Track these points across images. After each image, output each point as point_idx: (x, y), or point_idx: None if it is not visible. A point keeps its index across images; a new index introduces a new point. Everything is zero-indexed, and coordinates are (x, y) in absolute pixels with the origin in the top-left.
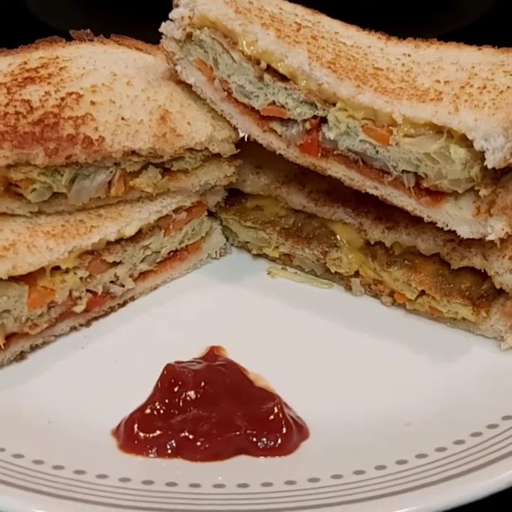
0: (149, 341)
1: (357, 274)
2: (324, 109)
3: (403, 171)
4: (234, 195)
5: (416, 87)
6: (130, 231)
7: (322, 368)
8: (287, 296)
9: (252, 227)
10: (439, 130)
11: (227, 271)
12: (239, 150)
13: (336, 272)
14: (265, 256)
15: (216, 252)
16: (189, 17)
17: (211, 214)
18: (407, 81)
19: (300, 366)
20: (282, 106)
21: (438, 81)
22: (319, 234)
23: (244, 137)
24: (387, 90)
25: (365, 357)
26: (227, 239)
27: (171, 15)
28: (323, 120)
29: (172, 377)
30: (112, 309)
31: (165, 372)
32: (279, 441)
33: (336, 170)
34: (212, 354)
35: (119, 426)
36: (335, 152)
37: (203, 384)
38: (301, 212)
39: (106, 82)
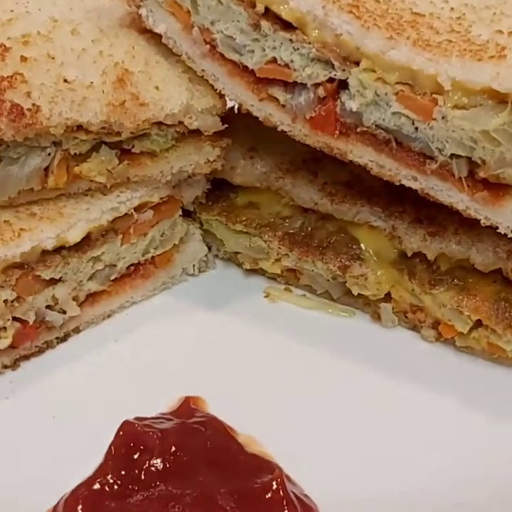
0: (100, 390)
1: (388, 297)
2: (344, 70)
3: (452, 156)
4: (219, 189)
5: (470, 40)
6: (74, 236)
7: (338, 428)
8: (292, 329)
9: (244, 232)
10: (501, 99)
11: (210, 292)
12: (226, 125)
13: (359, 295)
14: (262, 272)
15: (194, 266)
16: None
17: (187, 214)
18: (457, 32)
19: (308, 426)
20: (286, 65)
21: (500, 31)
22: (337, 242)
23: (233, 108)
24: (431, 44)
25: (396, 414)
26: (210, 248)
27: None
28: (343, 85)
29: (131, 439)
30: (49, 345)
31: (121, 432)
32: None
33: (360, 154)
34: (188, 408)
35: (57, 506)
36: (358, 129)
37: (173, 449)
38: (312, 212)
39: (43, 31)
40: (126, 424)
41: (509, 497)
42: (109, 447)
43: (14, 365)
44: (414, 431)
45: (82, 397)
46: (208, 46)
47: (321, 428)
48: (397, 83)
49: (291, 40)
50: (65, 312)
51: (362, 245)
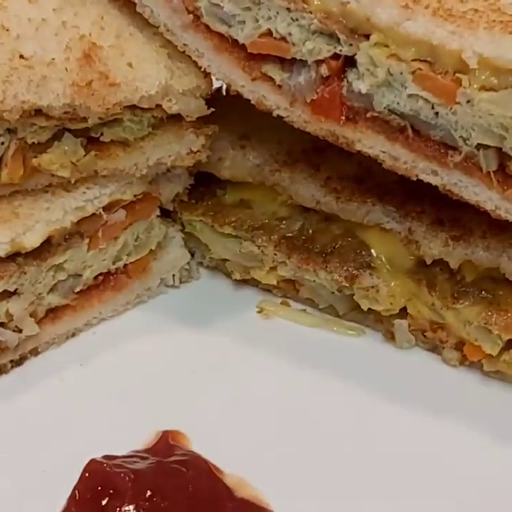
0: (62, 422)
1: (404, 313)
2: (351, 45)
3: (479, 146)
4: (204, 184)
5: (500, 10)
6: (32, 241)
7: (345, 469)
8: (290, 350)
9: (233, 236)
10: None
11: (193, 307)
12: (212, 109)
13: (369, 310)
14: (255, 283)
15: (174, 276)
16: None
17: (166, 214)
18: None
19: (309, 467)
20: (283, 38)
21: None
22: (343, 247)
23: (220, 89)
24: (454, 14)
25: (413, 450)
26: (193, 255)
27: None
28: (350, 62)
29: (98, 481)
30: (2, 369)
31: (86, 473)
32: None
33: (371, 143)
34: (166, 444)
35: None
36: (368, 114)
37: (149, 493)
38: (314, 212)
39: None
40: (92, 463)
41: None
42: (73, 491)
43: None
44: (434, 470)
45: (40, 431)
46: (191, 16)
47: (324, 469)
48: (414, 60)
49: (289, 9)
50: (21, 330)
51: (372, 251)
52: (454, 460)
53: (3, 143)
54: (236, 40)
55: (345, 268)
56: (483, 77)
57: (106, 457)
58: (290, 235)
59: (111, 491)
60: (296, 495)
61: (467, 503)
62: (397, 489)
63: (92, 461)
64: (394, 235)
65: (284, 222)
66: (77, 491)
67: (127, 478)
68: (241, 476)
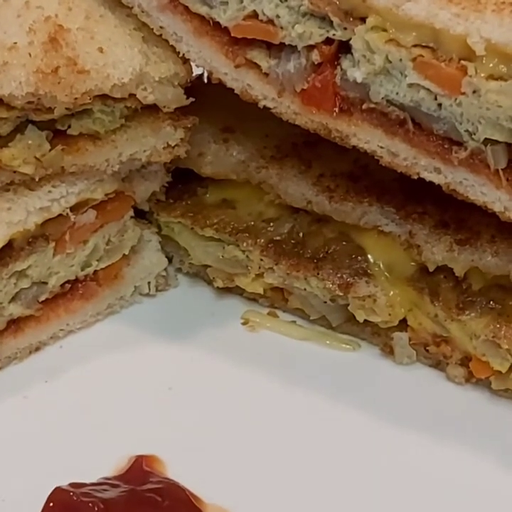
0: (25, 446)
1: (404, 325)
2: (345, 29)
3: (486, 141)
4: (183, 182)
5: None
6: None
7: (337, 498)
8: (278, 366)
9: (215, 239)
10: None
11: (170, 319)
12: (192, 99)
13: (366, 322)
14: (239, 291)
15: (150, 283)
16: None
17: (141, 215)
18: None
19: (295, 496)
20: (270, 21)
21: None
22: (336, 252)
23: (201, 77)
24: None
25: (414, 476)
26: (171, 260)
27: None
28: (344, 48)
29: (63, 510)
30: None
31: (50, 503)
32: None
33: (367, 137)
34: (140, 470)
35: None
36: (364, 106)
37: None
38: (305, 213)
39: None
40: (58, 491)
41: None
42: None
43: None
44: (438, 497)
45: (1, 456)
46: None
47: (312, 498)
48: (415, 46)
49: None
50: None
51: (369, 257)
52: (459, 486)
53: None
54: (218, 23)
55: (339, 275)
56: (491, 65)
57: (73, 485)
58: (278, 238)
59: None
60: None
61: None
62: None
63: (57, 490)
64: (393, 238)
65: (271, 224)
66: None
67: (96, 509)
68: (223, 507)
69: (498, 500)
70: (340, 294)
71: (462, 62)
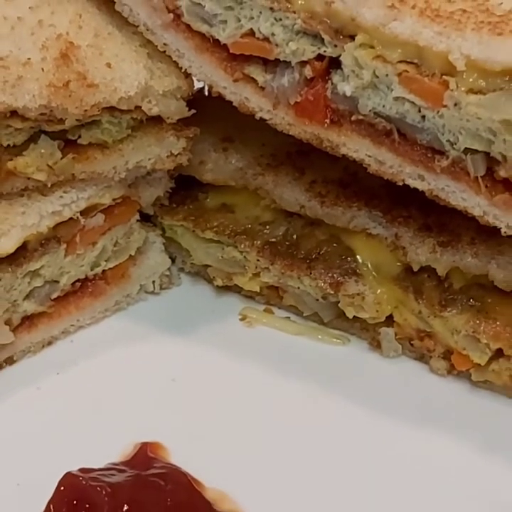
0: (37, 433)
1: (390, 321)
2: (336, 46)
3: (466, 151)
4: (185, 188)
5: (488, 10)
6: (7, 246)
7: (328, 481)
8: (273, 359)
9: (215, 241)
10: None
11: (173, 315)
12: (193, 111)
13: (355, 318)
14: (237, 290)
15: (154, 282)
16: None
17: (146, 218)
18: None
19: (290, 480)
20: (266, 38)
21: None
22: (328, 253)
23: (202, 90)
24: (441, 14)
25: (399, 462)
26: (174, 260)
27: None
28: (335, 64)
29: (74, 495)
30: None
31: (61, 486)
32: None
33: (356, 147)
34: (144, 457)
35: None
36: (353, 117)
37: (126, 508)
38: (298, 217)
39: None
40: (68, 476)
41: None
42: (48, 505)
43: None
44: (421, 482)
45: (14, 444)
46: (171, 15)
47: (306, 482)
48: (400, 62)
49: (272, 8)
50: None
51: (358, 257)
52: (441, 472)
53: None
54: (218, 40)
55: (330, 274)
56: (471, 80)
57: (82, 470)
58: (274, 240)
59: (87, 506)
60: (273, 509)
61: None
62: (380, 504)
63: (68, 475)
64: (380, 240)
65: (267, 227)
66: (51, 506)
67: (104, 492)
68: (222, 490)
69: (475, 481)
70: (331, 292)
71: (444, 77)
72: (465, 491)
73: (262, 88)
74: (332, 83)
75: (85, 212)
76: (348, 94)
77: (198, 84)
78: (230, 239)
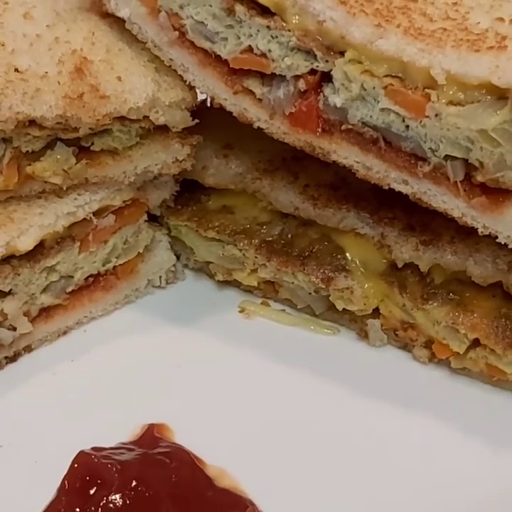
0: (53, 416)
1: (376, 313)
2: (327, 61)
3: (446, 157)
4: (189, 191)
5: (467, 29)
6: (26, 244)
7: (320, 460)
8: (270, 347)
9: (216, 240)
10: (501, 95)
11: (178, 307)
12: (197, 121)
13: (344, 310)
14: (237, 284)
15: (161, 277)
16: None
17: (153, 219)
18: (453, 19)
19: (286, 458)
20: (263, 54)
21: (500, 19)
22: (319, 251)
23: (204, 101)
24: (423, 33)
25: (385, 443)
26: (178, 257)
27: None
28: (326, 78)
29: (86, 472)
30: None
31: (75, 464)
32: None
33: (345, 154)
34: (151, 437)
35: None
36: (343, 127)
37: (134, 483)
38: (293, 218)
39: None
40: (81, 455)
41: None
42: (63, 481)
43: None
44: (405, 462)
45: (32, 425)
46: (177, 33)
47: (300, 460)
48: (386, 76)
49: (268, 27)
50: (15, 329)
51: (347, 255)
52: (421, 450)
53: None
54: (219, 56)
55: (321, 270)
56: (451, 93)
57: (94, 449)
58: (270, 239)
59: (98, 481)
60: (274, 485)
61: (428, 493)
62: (367, 480)
63: (81, 453)
64: (368, 239)
65: (264, 227)
66: (66, 482)
67: (114, 469)
68: (222, 467)
69: (453, 461)
70: (323, 286)
71: (426, 90)
72: (443, 465)
73: (260, 100)
74: (324, 95)
75: (97, 213)
76: (339, 105)
77: (201, 96)
78: (230, 238)
